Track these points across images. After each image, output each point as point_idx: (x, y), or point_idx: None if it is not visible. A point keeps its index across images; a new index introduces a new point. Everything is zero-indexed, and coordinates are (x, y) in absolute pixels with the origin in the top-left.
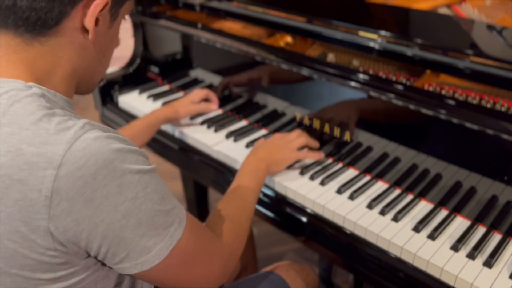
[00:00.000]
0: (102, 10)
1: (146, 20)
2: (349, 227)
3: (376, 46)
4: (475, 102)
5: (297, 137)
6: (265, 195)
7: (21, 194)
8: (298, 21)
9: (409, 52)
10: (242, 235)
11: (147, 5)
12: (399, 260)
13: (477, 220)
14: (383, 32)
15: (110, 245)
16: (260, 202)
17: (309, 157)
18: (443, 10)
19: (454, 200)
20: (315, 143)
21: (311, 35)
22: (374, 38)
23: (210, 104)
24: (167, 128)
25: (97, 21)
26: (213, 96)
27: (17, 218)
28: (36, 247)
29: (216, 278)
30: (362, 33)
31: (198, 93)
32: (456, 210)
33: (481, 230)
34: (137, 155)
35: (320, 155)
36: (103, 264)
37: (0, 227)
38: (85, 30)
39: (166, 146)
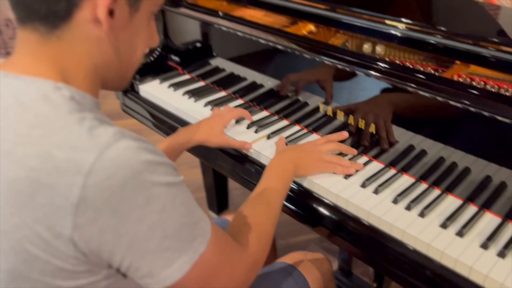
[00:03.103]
0: (115, 1)
1: (166, 8)
2: (373, 222)
3: (400, 34)
4: (508, 94)
5: (330, 144)
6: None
7: (48, 199)
8: (321, 9)
9: (433, 40)
10: (267, 242)
11: None
12: (425, 258)
13: (507, 217)
14: (407, 20)
15: (133, 258)
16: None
17: (338, 172)
18: None
19: (483, 196)
20: (352, 150)
21: (334, 24)
22: (398, 27)
23: (246, 143)
24: (187, 118)
25: (112, 13)
26: (247, 114)
27: (41, 222)
28: (58, 254)
29: (239, 282)
30: (388, 22)
31: (229, 115)
32: (485, 206)
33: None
34: (167, 167)
35: (349, 171)
36: (124, 275)
37: (24, 231)
38: (99, 22)
39: None
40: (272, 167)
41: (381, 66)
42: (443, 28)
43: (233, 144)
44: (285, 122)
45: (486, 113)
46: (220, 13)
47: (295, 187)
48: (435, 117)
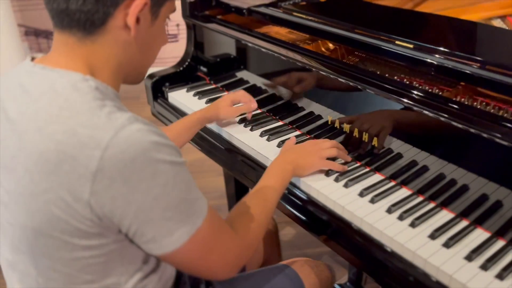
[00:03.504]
0: (142, 10)
1: (197, 23)
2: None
3: (433, 62)
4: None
5: (329, 147)
6: (295, 196)
7: (71, 167)
8: (338, 28)
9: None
10: (259, 232)
11: (200, 8)
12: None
13: (497, 233)
14: (438, 48)
15: (140, 224)
16: (291, 202)
17: (335, 168)
18: (497, 22)
19: (492, 219)
20: (347, 157)
21: (348, 42)
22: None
23: (249, 103)
24: (213, 128)
25: (138, 20)
26: (252, 98)
27: (65, 188)
28: (76, 215)
29: (230, 267)
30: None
31: (239, 95)
32: (499, 233)
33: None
34: (171, 149)
35: (344, 168)
36: (132, 241)
37: (50, 194)
38: (127, 28)
39: (214, 145)
40: (273, 167)
41: (414, 93)
42: (470, 56)
43: (240, 109)
44: (297, 133)
45: (485, 135)
46: (245, 30)
47: (304, 197)
48: (442, 136)
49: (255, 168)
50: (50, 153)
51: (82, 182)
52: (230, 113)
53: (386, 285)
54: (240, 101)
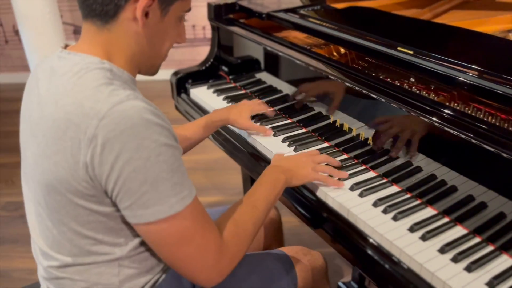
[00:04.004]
0: (150, 5)
1: (220, 25)
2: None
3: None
4: None
5: (324, 161)
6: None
7: (75, 133)
8: (351, 35)
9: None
10: (245, 239)
11: (225, 11)
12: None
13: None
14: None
15: (119, 190)
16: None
17: (328, 183)
18: None
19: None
20: (341, 174)
21: (361, 49)
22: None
23: (267, 129)
24: (237, 131)
25: (147, 14)
26: (271, 113)
27: (68, 151)
28: (76, 176)
29: (209, 268)
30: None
31: (257, 107)
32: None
33: None
34: (163, 129)
35: (339, 184)
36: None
37: (59, 156)
38: (137, 21)
39: (237, 147)
40: (265, 175)
41: (444, 112)
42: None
43: (257, 128)
44: (303, 130)
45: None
46: (263, 34)
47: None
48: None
49: None
50: (60, 121)
51: (81, 146)
52: (246, 127)
53: None
54: (260, 112)
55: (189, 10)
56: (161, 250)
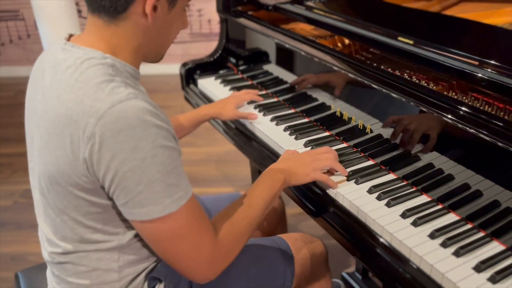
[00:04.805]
0: (158, 0)
1: (228, 17)
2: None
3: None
4: None
5: (326, 159)
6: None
7: (74, 130)
8: (357, 27)
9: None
10: (240, 237)
11: (233, 3)
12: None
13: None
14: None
15: (116, 188)
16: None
17: (328, 183)
18: None
19: None
20: (344, 171)
21: (360, 39)
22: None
23: (252, 114)
24: (248, 125)
25: (155, 8)
26: (259, 98)
27: (68, 147)
28: (75, 171)
29: (202, 265)
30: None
31: (243, 97)
32: None
33: None
34: (160, 130)
35: (336, 185)
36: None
37: (60, 150)
38: (146, 15)
39: (246, 142)
40: (265, 174)
41: (460, 109)
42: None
43: (240, 115)
44: (306, 120)
45: None
46: (270, 26)
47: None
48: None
49: None
50: (61, 116)
51: (81, 143)
52: (232, 117)
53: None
54: (245, 102)
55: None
56: (155, 245)
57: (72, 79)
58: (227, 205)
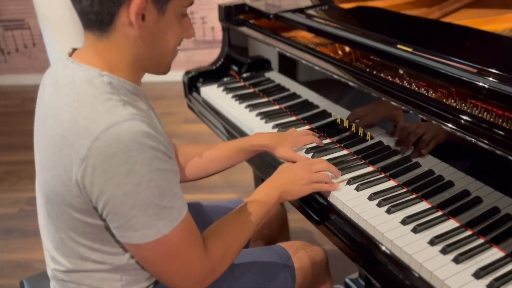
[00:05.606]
0: (144, 7)
1: (230, 26)
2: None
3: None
4: None
5: (320, 169)
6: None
7: (68, 151)
8: (349, 33)
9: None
10: (230, 255)
11: (235, 12)
12: None
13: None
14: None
15: (109, 212)
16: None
17: (324, 189)
18: None
19: None
20: (337, 172)
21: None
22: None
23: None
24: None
25: (143, 17)
26: (319, 142)
27: (63, 167)
28: (69, 192)
29: (191, 280)
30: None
31: (306, 139)
32: None
33: None
34: (157, 153)
35: (335, 187)
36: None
37: (55, 170)
38: (133, 25)
39: None
40: (259, 190)
41: (462, 118)
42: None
43: (297, 158)
44: (307, 127)
45: None
46: (271, 34)
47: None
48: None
49: None
50: (57, 136)
51: (74, 164)
52: (285, 157)
53: None
54: (305, 144)
55: (190, 4)
56: (147, 265)
57: (69, 98)
58: (221, 218)
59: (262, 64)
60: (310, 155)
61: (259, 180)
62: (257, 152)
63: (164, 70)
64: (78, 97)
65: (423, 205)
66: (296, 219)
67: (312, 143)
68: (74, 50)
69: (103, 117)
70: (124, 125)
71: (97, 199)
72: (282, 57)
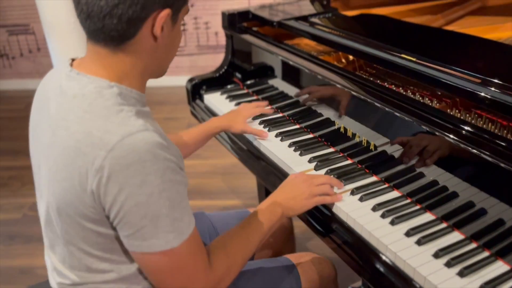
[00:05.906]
0: (166, 20)
1: (234, 34)
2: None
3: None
4: None
5: (322, 182)
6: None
7: (83, 162)
8: (353, 41)
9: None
10: (234, 269)
11: (239, 20)
12: None
13: None
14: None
15: (120, 221)
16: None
17: (327, 202)
18: None
19: None
20: (339, 184)
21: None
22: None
23: (263, 132)
24: (252, 140)
25: (162, 28)
26: (268, 111)
27: (76, 178)
28: (83, 202)
29: None
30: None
31: (253, 111)
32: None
33: None
34: (170, 163)
35: (338, 198)
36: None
37: (67, 182)
38: (154, 37)
39: (250, 156)
40: (263, 207)
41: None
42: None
43: (251, 130)
44: (310, 136)
45: None
46: (274, 42)
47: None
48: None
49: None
50: (70, 148)
51: (89, 175)
52: (243, 131)
53: None
54: (255, 115)
55: (188, 11)
56: (152, 276)
57: (80, 110)
58: (225, 233)
59: (266, 71)
60: (314, 163)
61: (262, 186)
62: (217, 133)
63: (164, 74)
64: (89, 109)
65: (428, 217)
66: (301, 225)
67: (260, 113)
68: (73, 60)
69: (117, 128)
70: (138, 136)
71: (110, 208)
72: (286, 64)
